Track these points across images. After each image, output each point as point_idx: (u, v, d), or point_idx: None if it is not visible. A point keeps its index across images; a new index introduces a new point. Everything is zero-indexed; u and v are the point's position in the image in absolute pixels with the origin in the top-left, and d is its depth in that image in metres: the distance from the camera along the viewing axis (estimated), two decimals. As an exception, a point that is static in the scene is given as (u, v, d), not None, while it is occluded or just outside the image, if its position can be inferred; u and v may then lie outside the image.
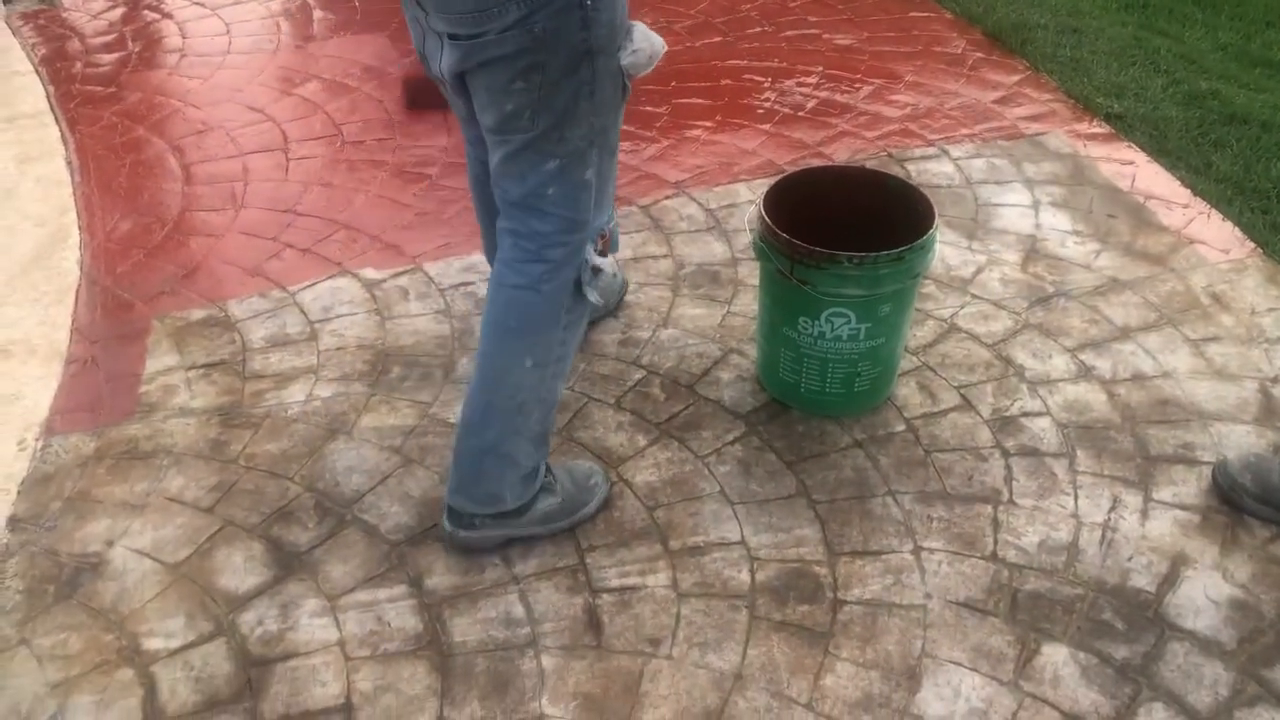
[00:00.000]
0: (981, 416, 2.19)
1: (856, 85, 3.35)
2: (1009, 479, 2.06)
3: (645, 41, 1.65)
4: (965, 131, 3.10)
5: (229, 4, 3.97)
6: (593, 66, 1.60)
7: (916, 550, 1.93)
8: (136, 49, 3.70)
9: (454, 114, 1.98)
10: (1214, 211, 2.75)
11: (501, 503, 1.89)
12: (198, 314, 2.49)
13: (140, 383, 2.31)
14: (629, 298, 2.51)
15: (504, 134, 1.67)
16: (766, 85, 3.35)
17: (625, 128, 3.10)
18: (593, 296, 1.80)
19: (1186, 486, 2.04)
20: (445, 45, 1.64)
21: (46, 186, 2.96)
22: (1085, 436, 2.14)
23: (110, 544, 1.96)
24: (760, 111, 3.21)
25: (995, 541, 1.94)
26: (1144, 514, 1.99)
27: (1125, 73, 3.37)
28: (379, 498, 2.04)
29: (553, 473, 1.97)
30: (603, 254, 1.80)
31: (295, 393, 2.27)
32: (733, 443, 2.14)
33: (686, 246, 2.66)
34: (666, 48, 1.70)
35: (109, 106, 3.35)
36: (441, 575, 1.90)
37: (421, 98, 3.23)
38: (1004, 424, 2.17)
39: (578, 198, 1.71)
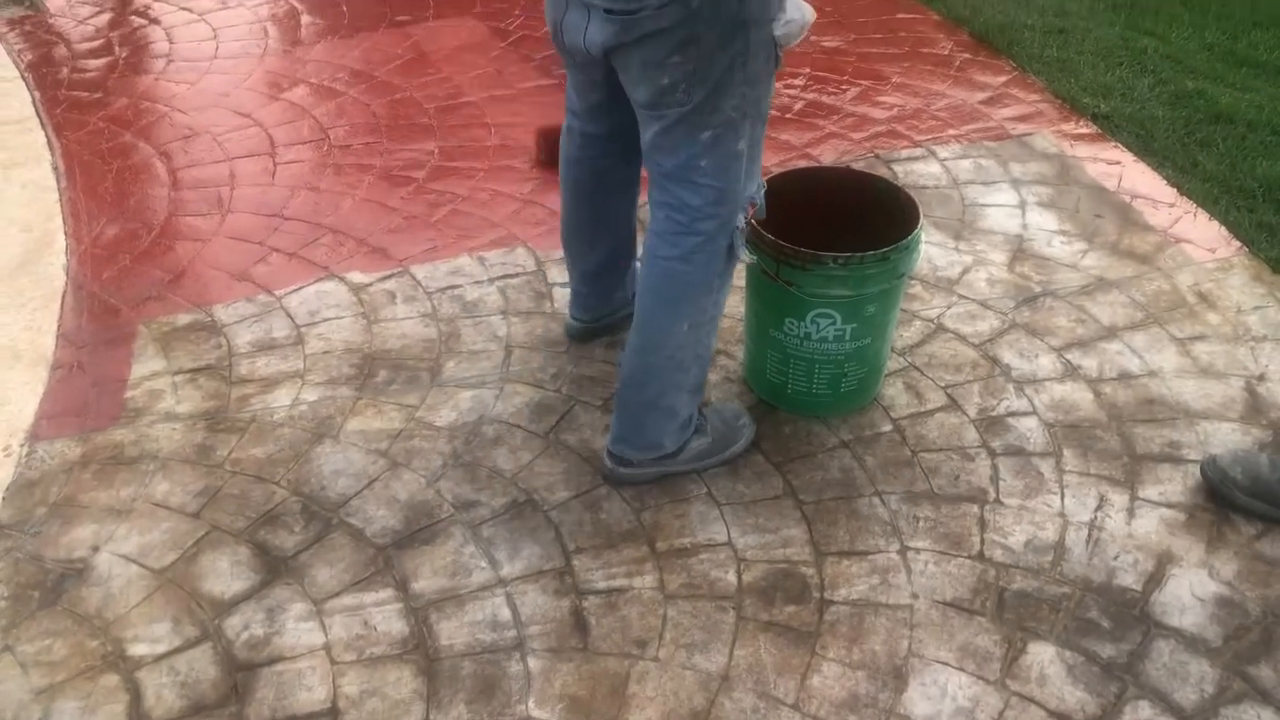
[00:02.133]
0: (968, 416, 2.19)
1: (843, 87, 3.35)
2: (995, 479, 2.06)
3: (797, 12, 1.68)
4: (952, 132, 3.10)
5: (216, 9, 3.97)
6: (747, 38, 1.63)
7: (903, 550, 1.93)
8: (123, 54, 3.69)
9: (568, 80, 2.02)
10: (1200, 210, 2.76)
11: (661, 448, 2.01)
12: (184, 319, 2.48)
13: (126, 388, 2.30)
14: (616, 300, 2.51)
15: (658, 109, 1.71)
16: (754, 87, 3.35)
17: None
18: (744, 256, 1.87)
19: (1173, 485, 2.04)
20: (595, 19, 1.67)
21: (33, 192, 2.95)
22: (1072, 436, 2.14)
23: (96, 549, 1.95)
24: (748, 113, 3.21)
25: (982, 541, 1.94)
26: (1130, 512, 1.99)
27: (1112, 73, 3.38)
28: (365, 501, 2.04)
29: (704, 414, 2.08)
30: (751, 221, 1.86)
31: (281, 397, 2.27)
32: (720, 444, 2.14)
33: (674, 248, 2.65)
34: (816, 16, 1.73)
35: (95, 112, 3.34)
36: (428, 579, 1.89)
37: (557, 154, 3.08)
38: (990, 424, 2.17)
39: (729, 168, 1.75)
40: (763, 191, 1.88)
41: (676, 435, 2.01)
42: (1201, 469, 2.03)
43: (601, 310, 2.33)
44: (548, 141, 3.02)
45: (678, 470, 2.06)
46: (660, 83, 1.67)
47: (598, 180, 2.11)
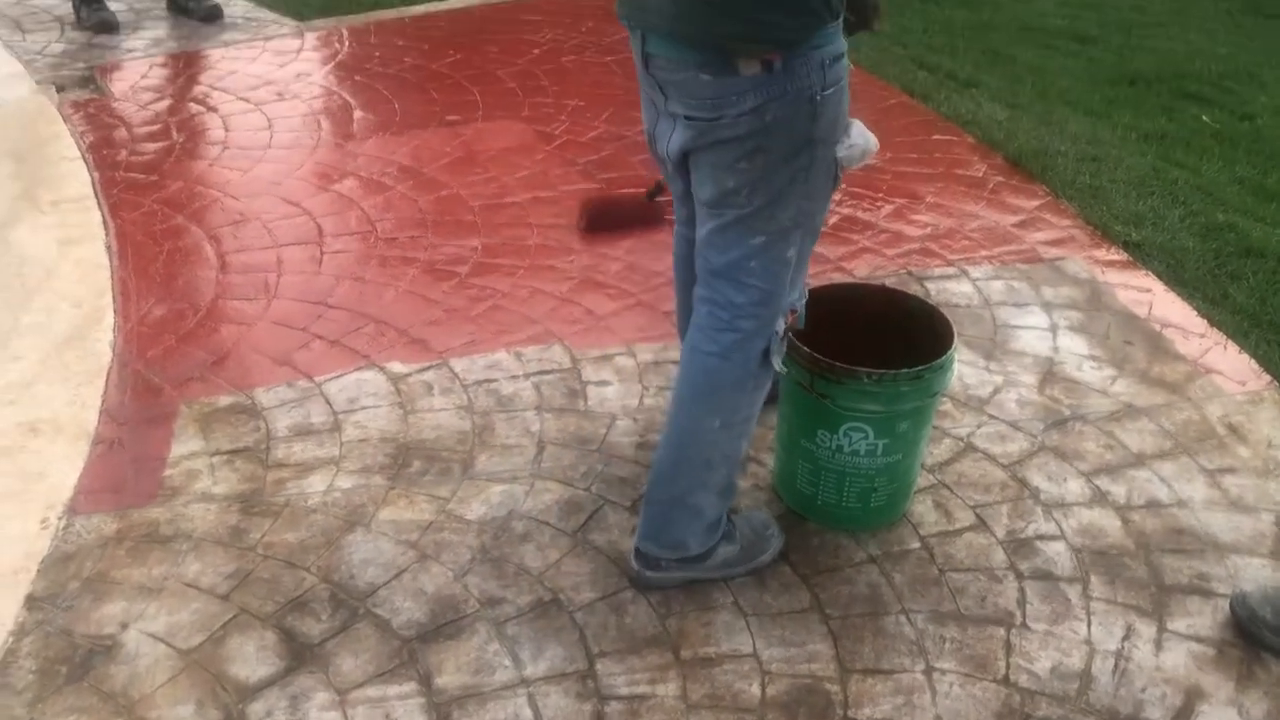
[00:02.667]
0: (996, 537, 2.19)
1: (878, 204, 3.42)
2: (1022, 602, 2.05)
3: (861, 138, 1.78)
4: (985, 253, 3.16)
5: (272, 100, 4.11)
6: (812, 154, 1.73)
7: (928, 670, 1.92)
8: (180, 139, 3.82)
9: (672, 193, 2.11)
10: (1230, 342, 2.79)
11: (686, 549, 2.02)
12: (225, 400, 2.53)
13: (165, 466, 2.34)
14: (648, 400, 2.54)
15: (719, 208, 1.80)
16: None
17: (650, 234, 3.19)
18: (778, 365, 1.91)
19: (1202, 618, 2.03)
20: (679, 126, 1.77)
21: (86, 269, 3.04)
22: (1099, 562, 2.14)
23: (125, 626, 1.97)
24: (784, 225, 3.28)
25: (1007, 665, 1.93)
26: (1158, 644, 1.98)
27: (1143, 202, 3.44)
28: (393, 592, 2.05)
29: (733, 521, 2.09)
30: (790, 329, 1.91)
31: (316, 483, 2.30)
32: (747, 553, 2.14)
33: (707, 354, 2.70)
34: (879, 146, 1.82)
35: (150, 194, 3.45)
36: (451, 674, 1.89)
37: (598, 222, 3.25)
38: (1018, 546, 2.17)
39: (777, 273, 1.83)
40: (804, 301, 1.94)
41: (702, 537, 2.02)
42: (1231, 605, 2.02)
43: None
44: (590, 210, 3.26)
45: (704, 577, 2.07)
46: (725, 185, 1.76)
47: None
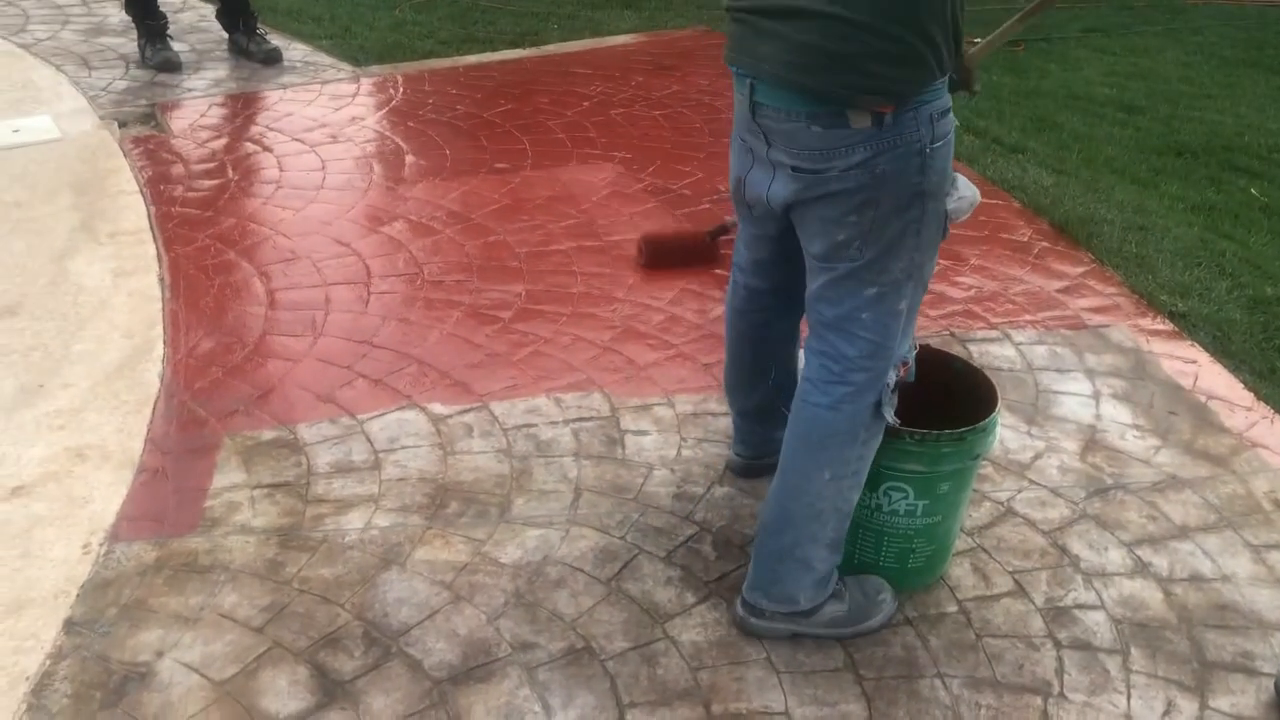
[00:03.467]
0: (1035, 604, 2.17)
1: (922, 264, 3.42)
2: (1060, 671, 2.02)
3: (968, 190, 1.82)
4: (1028, 318, 3.15)
5: (326, 142, 4.20)
6: (923, 207, 1.76)
7: (963, 737, 1.89)
8: (235, 177, 3.90)
9: (743, 235, 2.13)
10: (1278, 417, 2.75)
11: (795, 603, 2.01)
12: (268, 434, 2.56)
13: (206, 497, 2.36)
14: (686, 451, 2.54)
15: (830, 261, 1.82)
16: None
17: (692, 288, 3.21)
18: (889, 417, 1.91)
19: (1245, 697, 1.99)
20: (781, 176, 1.81)
21: (138, 300, 3.09)
22: (1140, 634, 2.11)
23: (160, 655, 1.98)
24: (827, 282, 3.29)
25: (1044, 736, 1.90)
26: (1200, 721, 1.94)
27: (1190, 273, 3.42)
28: (425, 632, 2.05)
29: (844, 581, 2.08)
30: (901, 381, 1.92)
31: (354, 520, 2.31)
32: (782, 609, 2.13)
33: (747, 408, 2.70)
34: (981, 199, 1.86)
35: (204, 229, 3.52)
36: (481, 718, 1.89)
37: (658, 259, 3.33)
38: (1057, 614, 2.14)
39: (888, 325, 1.84)
40: (914, 353, 1.96)
41: (812, 592, 2.01)
42: (1276, 684, 1.98)
43: (763, 448, 2.37)
44: (650, 245, 3.36)
45: (810, 634, 2.04)
46: (836, 238, 1.79)
47: (759, 331, 2.21)
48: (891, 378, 1.89)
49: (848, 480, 1.94)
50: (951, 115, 1.76)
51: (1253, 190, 4.29)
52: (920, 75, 1.67)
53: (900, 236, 1.77)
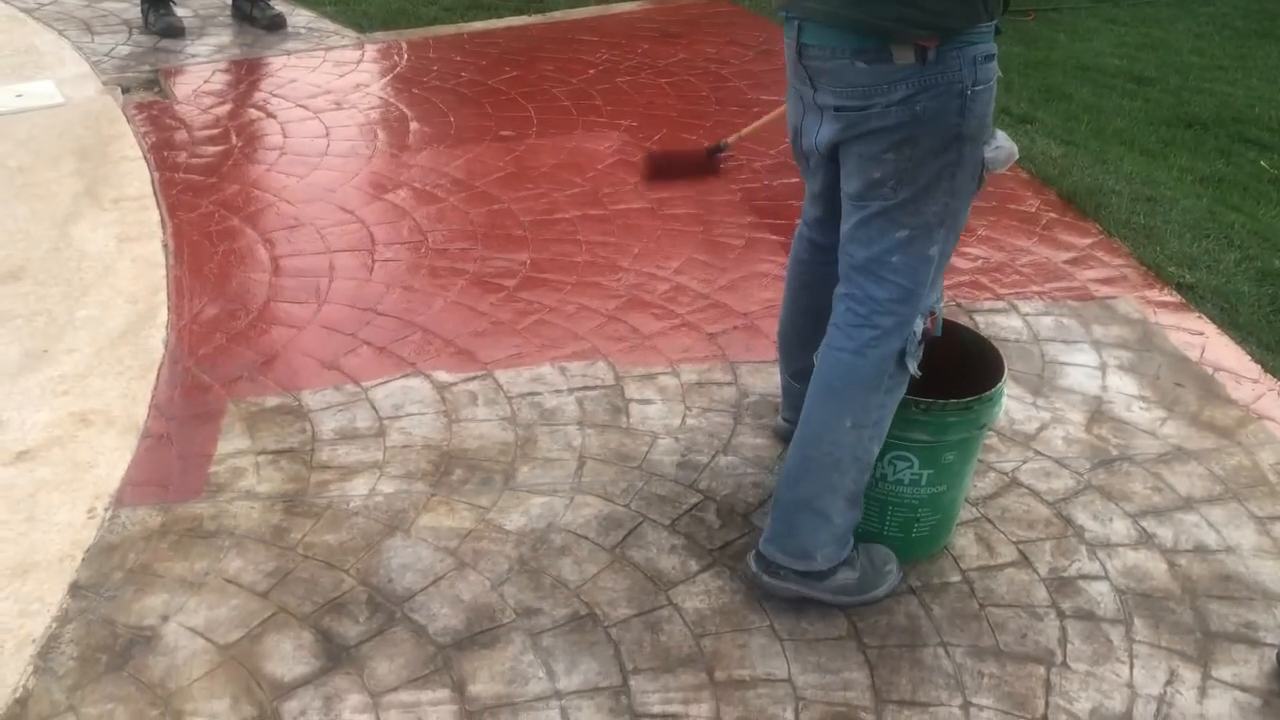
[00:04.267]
0: (1039, 574, 2.17)
1: (929, 235, 3.40)
2: (1064, 641, 2.02)
3: (1006, 142, 1.81)
4: (1035, 289, 3.13)
5: (330, 109, 4.17)
6: (960, 151, 1.76)
7: (965, 705, 1.89)
8: (239, 144, 3.88)
9: (806, 183, 2.13)
10: (1284, 389, 2.75)
11: (811, 560, 1.99)
12: (272, 401, 2.56)
13: (210, 463, 2.37)
14: (690, 420, 2.54)
15: (864, 199, 1.83)
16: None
17: (698, 257, 3.20)
18: (913, 368, 1.90)
19: (1248, 667, 1.99)
20: (827, 118, 1.81)
21: (142, 266, 3.09)
22: (1144, 605, 2.11)
23: (165, 619, 1.99)
24: (833, 252, 3.27)
25: (1046, 704, 1.90)
26: (1202, 691, 1.94)
27: (1198, 244, 3.40)
28: (430, 598, 2.06)
29: (856, 548, 2.06)
30: (929, 332, 1.92)
31: (359, 486, 2.32)
32: (785, 577, 2.13)
33: (751, 377, 2.69)
34: (1019, 154, 1.85)
35: (208, 195, 3.50)
36: (485, 683, 1.89)
37: (659, 172, 3.43)
38: (1061, 584, 2.15)
39: (918, 270, 1.84)
40: (941, 304, 1.95)
41: (830, 551, 1.99)
42: (1278, 655, 1.98)
43: None
44: (652, 161, 3.48)
45: (818, 598, 2.03)
46: (872, 175, 1.79)
47: (818, 284, 2.19)
48: (918, 327, 1.88)
49: (869, 430, 1.92)
50: (996, 64, 1.76)
51: (1263, 163, 4.26)
52: (968, 11, 1.68)
53: (936, 179, 1.77)
